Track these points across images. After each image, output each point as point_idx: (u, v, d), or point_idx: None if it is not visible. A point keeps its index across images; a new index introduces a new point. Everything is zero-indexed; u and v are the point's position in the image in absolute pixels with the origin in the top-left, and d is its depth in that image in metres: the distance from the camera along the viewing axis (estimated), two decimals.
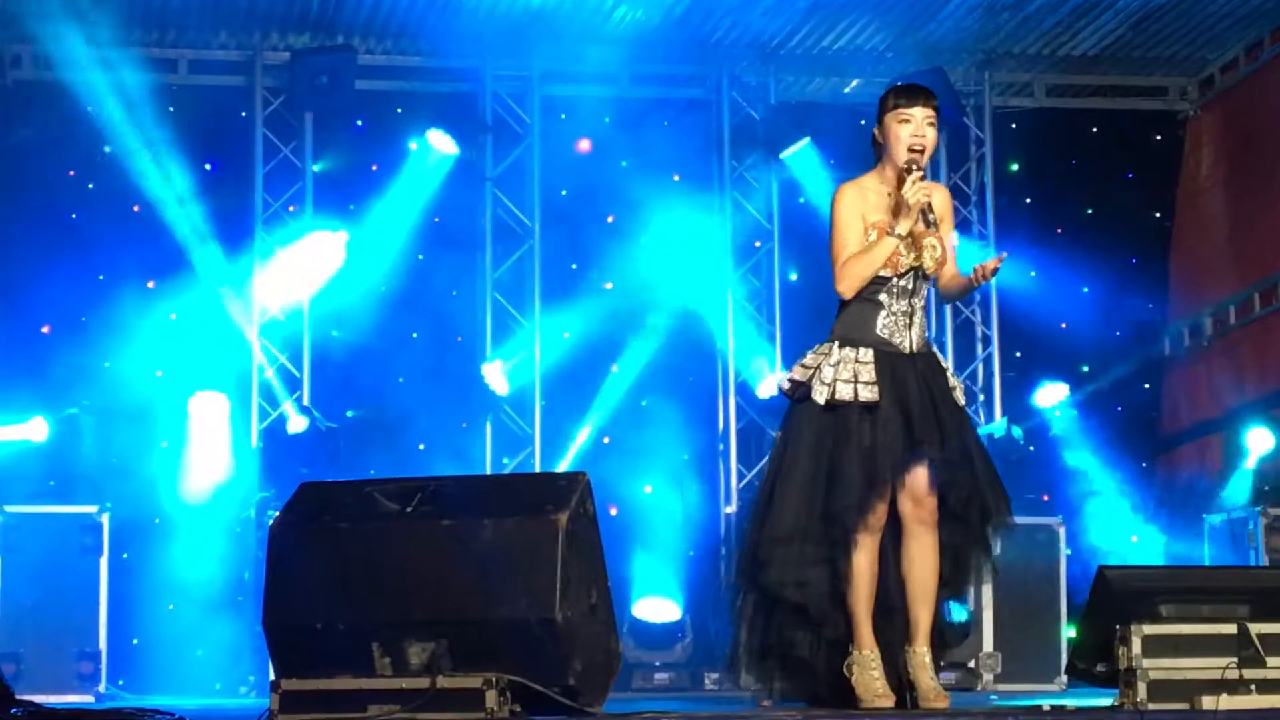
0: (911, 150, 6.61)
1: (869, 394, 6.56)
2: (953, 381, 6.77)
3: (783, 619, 6.65)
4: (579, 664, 5.87)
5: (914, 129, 6.64)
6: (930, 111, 6.66)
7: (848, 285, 6.61)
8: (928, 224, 6.62)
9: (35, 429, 11.52)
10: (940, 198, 6.79)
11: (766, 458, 7.24)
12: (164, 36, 12.48)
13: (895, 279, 6.64)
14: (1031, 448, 12.61)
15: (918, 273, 6.68)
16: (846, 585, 6.54)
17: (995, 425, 12.59)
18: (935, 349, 6.88)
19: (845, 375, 6.59)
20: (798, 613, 6.61)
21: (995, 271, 6.63)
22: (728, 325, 13.07)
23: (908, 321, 6.68)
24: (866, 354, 6.62)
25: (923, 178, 6.60)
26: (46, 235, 12.04)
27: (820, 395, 6.60)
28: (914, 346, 6.68)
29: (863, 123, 12.89)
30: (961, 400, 6.77)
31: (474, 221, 12.94)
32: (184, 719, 6.19)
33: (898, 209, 6.61)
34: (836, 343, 6.67)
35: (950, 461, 6.59)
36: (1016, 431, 12.46)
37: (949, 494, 6.61)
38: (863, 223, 6.63)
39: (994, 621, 11.17)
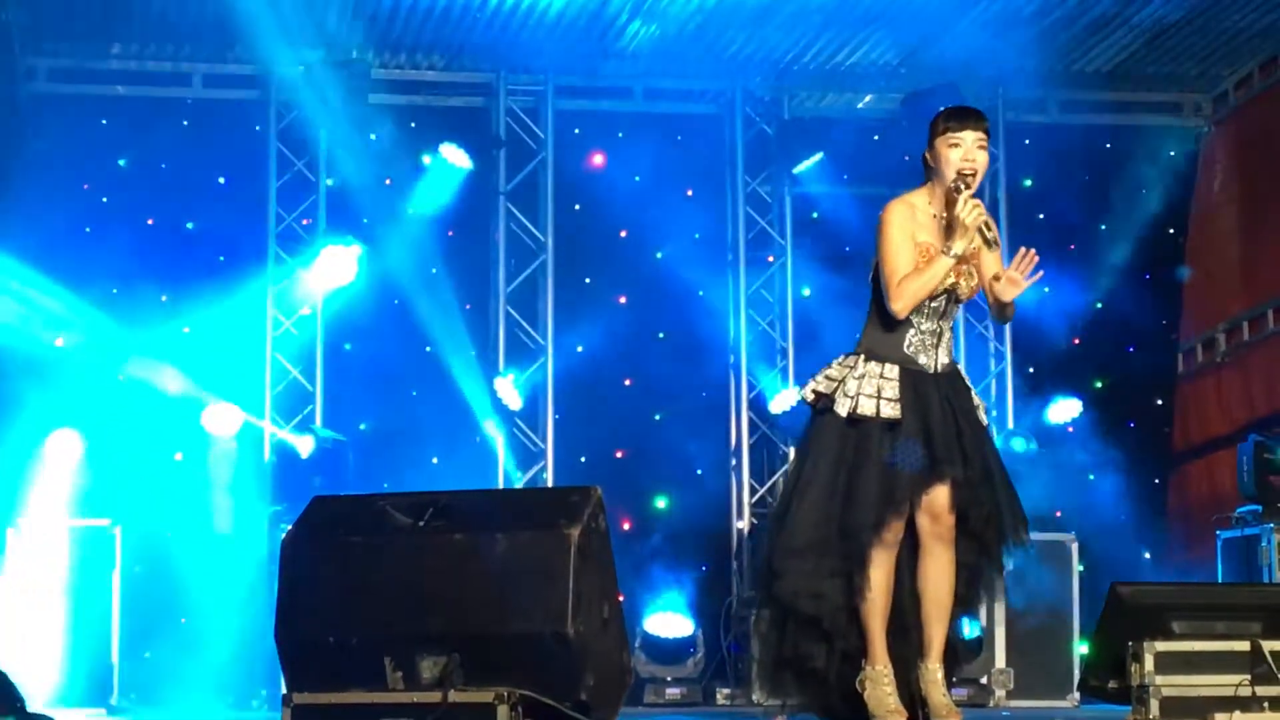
0: (961, 174, 6.57)
1: (890, 411, 6.55)
2: (976, 400, 6.77)
3: (797, 631, 6.64)
4: (591, 678, 5.86)
5: (964, 153, 6.59)
6: (981, 135, 6.62)
7: (904, 305, 6.55)
8: (987, 243, 6.62)
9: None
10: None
11: (783, 469, 7.23)
12: (179, 51, 12.51)
13: (928, 299, 6.63)
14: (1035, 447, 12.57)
15: (951, 295, 6.66)
16: (860, 600, 6.54)
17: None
18: (959, 369, 6.85)
19: (869, 390, 6.57)
20: (812, 625, 6.61)
21: (1027, 272, 6.51)
22: (740, 340, 13.07)
23: (935, 341, 6.67)
24: (891, 370, 6.60)
25: (971, 197, 6.57)
26: (61, 247, 12.04)
27: (843, 408, 6.59)
28: (939, 367, 6.66)
29: (876, 138, 12.94)
30: (984, 419, 6.77)
31: (487, 236, 12.97)
32: None
33: (949, 230, 6.58)
34: (863, 356, 6.65)
35: (971, 481, 6.57)
36: (1018, 444, 12.44)
37: (970, 512, 6.59)
38: (912, 241, 6.62)
39: (1006, 638, 11.16)
